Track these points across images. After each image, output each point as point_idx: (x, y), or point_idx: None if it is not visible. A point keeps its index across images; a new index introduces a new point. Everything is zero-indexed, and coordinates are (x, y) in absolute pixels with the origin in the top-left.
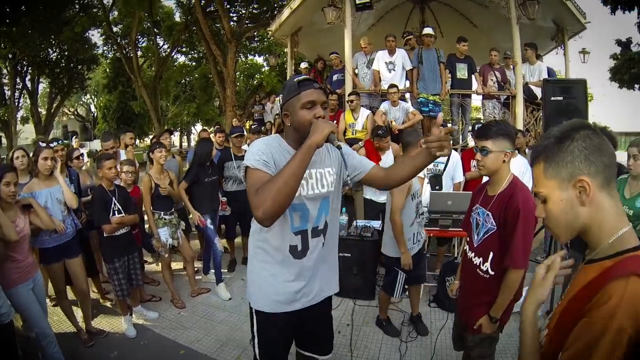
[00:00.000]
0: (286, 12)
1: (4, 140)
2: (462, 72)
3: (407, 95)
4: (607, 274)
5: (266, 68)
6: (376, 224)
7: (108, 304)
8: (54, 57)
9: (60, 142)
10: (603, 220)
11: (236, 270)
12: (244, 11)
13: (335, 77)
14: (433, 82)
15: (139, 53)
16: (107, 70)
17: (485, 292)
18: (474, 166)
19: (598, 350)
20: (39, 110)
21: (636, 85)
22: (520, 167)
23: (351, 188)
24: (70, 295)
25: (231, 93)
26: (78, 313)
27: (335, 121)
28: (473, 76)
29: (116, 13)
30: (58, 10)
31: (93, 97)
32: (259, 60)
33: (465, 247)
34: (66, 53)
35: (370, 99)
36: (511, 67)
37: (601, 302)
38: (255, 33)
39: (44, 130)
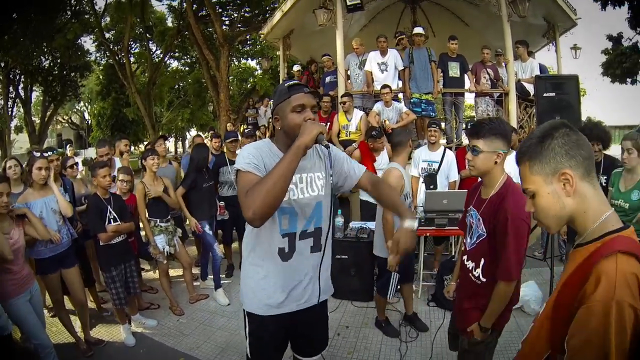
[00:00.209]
0: (278, 15)
1: None
2: (454, 70)
3: (400, 95)
4: (594, 255)
5: (259, 71)
6: (372, 225)
7: (104, 314)
8: (47, 65)
9: (55, 151)
10: (587, 208)
11: (234, 276)
12: (235, 15)
13: (327, 79)
14: (425, 81)
15: (132, 59)
16: (100, 77)
17: (478, 297)
18: None
19: (610, 330)
20: (33, 119)
21: (628, 79)
22: (515, 164)
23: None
24: (68, 305)
25: (225, 97)
26: (76, 323)
27: (328, 123)
28: (465, 74)
29: (108, 19)
30: (50, 18)
31: (87, 104)
32: (252, 63)
33: (462, 247)
34: (59, 60)
35: (363, 100)
36: (503, 64)
37: (594, 285)
38: (247, 37)
39: (38, 139)
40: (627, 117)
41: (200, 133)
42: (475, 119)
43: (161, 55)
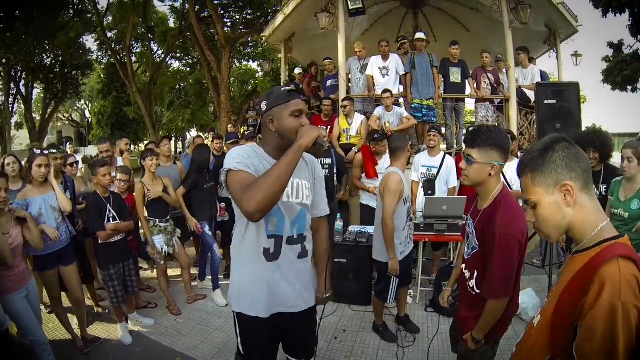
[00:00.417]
0: (280, 18)
1: None
2: (455, 76)
3: (401, 100)
4: (595, 260)
5: (260, 74)
6: (371, 229)
7: (101, 312)
8: (48, 63)
9: (59, 149)
10: (586, 217)
11: None
12: (238, 17)
13: (329, 83)
14: (426, 86)
15: (134, 59)
16: (102, 75)
17: (474, 307)
18: None
19: (617, 331)
20: (34, 115)
21: (629, 87)
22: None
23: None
24: (65, 302)
25: (225, 99)
26: (73, 320)
27: (329, 126)
28: (466, 80)
29: (110, 18)
30: (52, 16)
31: (87, 102)
32: (253, 65)
33: (462, 253)
34: (60, 58)
35: (364, 104)
36: (504, 70)
37: (598, 289)
38: (249, 39)
39: (38, 136)
40: (628, 124)
41: (201, 134)
42: (475, 124)
43: (163, 56)
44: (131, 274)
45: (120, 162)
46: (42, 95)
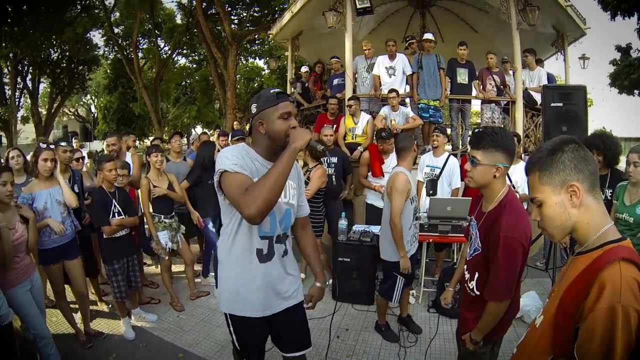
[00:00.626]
0: (287, 16)
1: (4, 140)
2: (462, 77)
3: (407, 100)
4: (598, 261)
5: (267, 71)
6: (375, 228)
7: (104, 307)
8: (55, 58)
9: (68, 142)
10: (590, 219)
11: None
12: (245, 14)
13: (335, 82)
14: (433, 87)
15: (140, 54)
16: (108, 71)
17: (474, 308)
18: None
19: (617, 332)
20: (40, 110)
21: (636, 91)
22: (522, 174)
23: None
24: (69, 296)
25: (231, 96)
26: (76, 315)
27: (335, 125)
28: (472, 83)
29: (117, 14)
30: (60, 11)
31: (93, 97)
32: (260, 63)
33: (464, 254)
34: (67, 53)
35: (370, 104)
36: (510, 72)
37: (598, 291)
38: (256, 36)
39: (44, 130)
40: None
41: (207, 131)
42: (481, 126)
43: (169, 52)
44: (135, 270)
45: (129, 157)
46: (49, 89)
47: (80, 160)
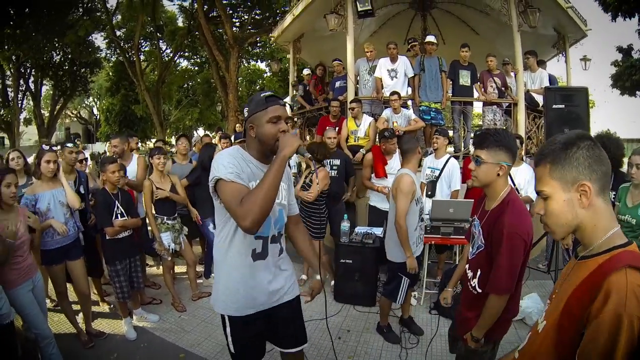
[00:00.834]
0: (289, 19)
1: (6, 141)
2: (464, 78)
3: (409, 102)
4: (604, 267)
5: (268, 74)
6: (378, 230)
7: (107, 308)
8: (58, 60)
9: (74, 143)
10: (597, 222)
11: None
12: (246, 17)
13: (337, 84)
14: (434, 90)
15: (142, 57)
16: (110, 73)
17: (475, 306)
18: None
19: (619, 343)
20: (42, 112)
21: (638, 92)
22: (525, 176)
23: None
24: (71, 296)
25: (233, 98)
26: (78, 314)
27: (337, 128)
28: (474, 86)
29: (119, 17)
30: (62, 14)
31: (96, 100)
32: (261, 66)
33: (464, 255)
34: (69, 56)
35: (372, 106)
36: (512, 73)
37: (604, 298)
38: (257, 39)
39: (46, 132)
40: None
41: (208, 133)
42: (483, 128)
43: (171, 54)
44: (137, 270)
45: (135, 159)
46: (51, 92)
47: (84, 161)
